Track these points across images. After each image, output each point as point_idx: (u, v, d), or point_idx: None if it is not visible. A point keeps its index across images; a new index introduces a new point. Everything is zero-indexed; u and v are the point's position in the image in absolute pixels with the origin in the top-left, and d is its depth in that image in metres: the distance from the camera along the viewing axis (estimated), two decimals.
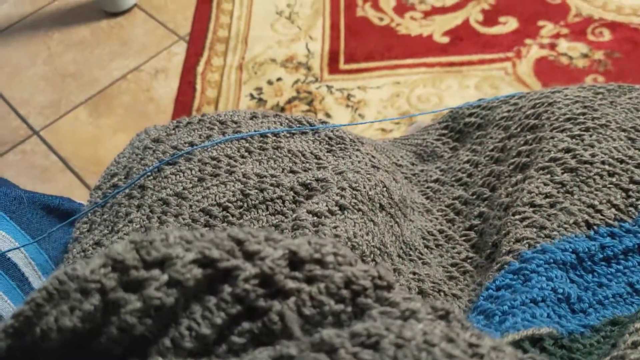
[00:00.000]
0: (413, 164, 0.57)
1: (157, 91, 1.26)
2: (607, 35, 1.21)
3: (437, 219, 0.49)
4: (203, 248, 0.26)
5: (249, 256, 0.27)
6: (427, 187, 0.54)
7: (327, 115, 1.18)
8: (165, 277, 0.25)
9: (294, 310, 0.25)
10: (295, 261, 0.27)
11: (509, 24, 1.26)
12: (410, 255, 0.43)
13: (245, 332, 0.25)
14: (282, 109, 1.19)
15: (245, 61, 1.28)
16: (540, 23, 1.25)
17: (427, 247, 0.45)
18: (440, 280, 0.41)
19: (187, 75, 1.27)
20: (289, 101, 1.21)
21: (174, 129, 0.49)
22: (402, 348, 0.22)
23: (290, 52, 1.29)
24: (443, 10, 1.31)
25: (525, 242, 0.39)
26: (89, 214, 0.46)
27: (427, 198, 0.52)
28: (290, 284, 0.26)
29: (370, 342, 0.22)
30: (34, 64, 1.36)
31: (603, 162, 0.42)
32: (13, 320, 0.25)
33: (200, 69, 1.28)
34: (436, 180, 0.54)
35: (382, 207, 0.42)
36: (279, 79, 1.24)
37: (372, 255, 0.39)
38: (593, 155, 0.42)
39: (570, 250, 0.38)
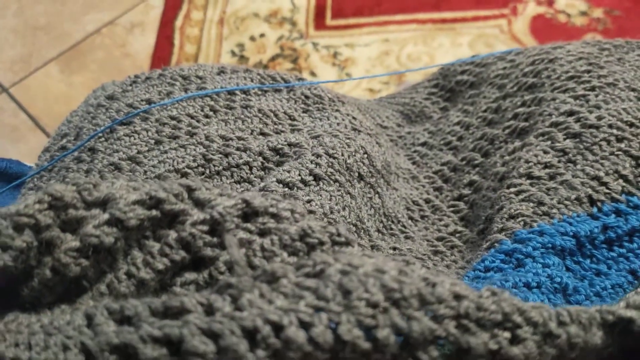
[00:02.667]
0: (399, 126, 0.52)
1: (133, 46, 1.20)
2: None
3: (423, 186, 0.45)
4: (149, 189, 0.25)
5: (199, 203, 0.26)
6: (414, 151, 0.49)
7: (313, 74, 1.12)
8: (105, 216, 0.24)
9: (244, 261, 0.24)
10: (248, 213, 0.26)
11: None
12: (391, 229, 0.38)
13: (189, 283, 0.25)
14: (265, 67, 1.13)
15: (226, 15, 1.22)
16: None
17: (411, 218, 0.41)
18: (424, 255, 0.37)
19: (164, 30, 1.21)
20: (273, 58, 1.15)
21: (130, 85, 0.44)
22: (348, 274, 0.20)
23: (275, 6, 1.22)
24: None
25: (520, 219, 0.34)
26: (35, 179, 0.41)
27: (414, 163, 0.48)
28: (241, 235, 0.25)
29: (315, 270, 0.21)
30: (4, 16, 1.29)
31: (610, 126, 0.37)
32: None
33: (178, 23, 1.21)
34: (424, 144, 0.49)
35: (361, 177, 0.38)
36: (262, 35, 1.18)
37: None
38: (599, 118, 0.37)
39: (571, 234, 0.33)
